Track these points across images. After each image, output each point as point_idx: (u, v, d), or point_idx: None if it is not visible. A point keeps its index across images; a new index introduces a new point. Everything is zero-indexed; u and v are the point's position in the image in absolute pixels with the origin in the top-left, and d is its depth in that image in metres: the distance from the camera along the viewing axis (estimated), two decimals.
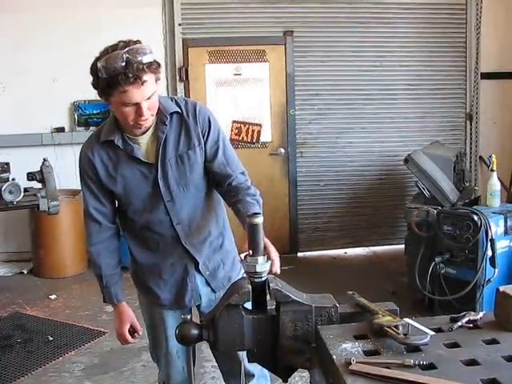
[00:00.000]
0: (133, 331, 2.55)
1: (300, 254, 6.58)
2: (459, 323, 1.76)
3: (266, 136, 6.40)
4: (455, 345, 1.64)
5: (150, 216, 2.37)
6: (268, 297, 1.96)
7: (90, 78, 2.19)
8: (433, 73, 6.52)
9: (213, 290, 2.51)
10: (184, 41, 6.16)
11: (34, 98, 6.04)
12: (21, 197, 4.27)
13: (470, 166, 6.63)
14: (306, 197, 6.55)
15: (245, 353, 2.10)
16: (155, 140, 2.33)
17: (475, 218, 4.10)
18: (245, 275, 2.00)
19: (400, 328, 1.66)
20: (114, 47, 2.11)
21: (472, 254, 4.15)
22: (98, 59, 2.12)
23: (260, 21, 6.22)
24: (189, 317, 1.98)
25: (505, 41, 6.52)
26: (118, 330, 2.54)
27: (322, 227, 6.63)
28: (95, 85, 2.17)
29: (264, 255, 1.94)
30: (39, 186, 4.50)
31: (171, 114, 2.32)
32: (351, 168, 6.55)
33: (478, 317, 1.79)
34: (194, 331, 1.95)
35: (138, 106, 2.13)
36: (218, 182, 2.45)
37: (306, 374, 3.38)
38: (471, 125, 6.66)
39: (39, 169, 4.43)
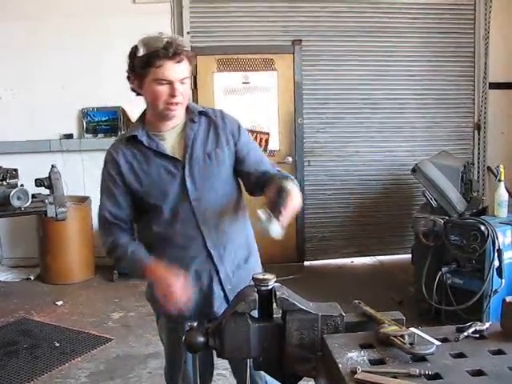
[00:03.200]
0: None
1: (306, 263, 6.57)
2: (465, 333, 1.76)
3: (274, 144, 6.40)
4: (461, 355, 1.64)
5: (175, 216, 2.31)
6: (274, 305, 1.97)
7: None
8: (441, 82, 6.52)
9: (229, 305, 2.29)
10: (193, 49, 6.16)
11: (42, 104, 6.08)
12: (29, 203, 4.27)
13: (478, 176, 6.61)
14: (312, 205, 6.54)
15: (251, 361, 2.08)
16: (182, 138, 2.33)
17: (482, 228, 4.09)
18: (252, 283, 2.00)
19: (406, 338, 1.66)
20: (153, 34, 2.23)
21: (479, 264, 4.14)
22: (136, 44, 2.22)
23: (268, 29, 6.23)
24: (195, 324, 1.99)
25: None
26: (169, 286, 2.20)
27: (328, 236, 6.62)
28: (131, 68, 2.24)
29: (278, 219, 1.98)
30: (47, 192, 4.51)
31: (200, 114, 2.36)
32: (358, 177, 6.55)
33: (485, 327, 1.79)
34: (201, 339, 1.96)
35: (171, 85, 2.18)
36: (255, 184, 2.36)
37: (311, 382, 3.39)
38: (479, 135, 6.65)
39: (47, 175, 4.45)
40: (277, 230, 1.99)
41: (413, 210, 6.20)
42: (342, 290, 4.91)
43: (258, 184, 2.34)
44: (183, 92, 2.22)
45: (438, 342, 1.69)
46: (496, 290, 4.08)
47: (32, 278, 6.04)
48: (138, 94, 2.30)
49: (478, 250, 4.10)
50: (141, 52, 2.16)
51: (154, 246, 2.37)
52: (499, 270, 4.09)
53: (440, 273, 4.26)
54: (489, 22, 6.42)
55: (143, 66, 2.17)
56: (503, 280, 4.08)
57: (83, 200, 6.02)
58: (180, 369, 2.46)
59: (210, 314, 2.35)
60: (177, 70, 2.18)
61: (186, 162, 2.29)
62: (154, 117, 2.30)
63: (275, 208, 2.04)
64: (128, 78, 2.28)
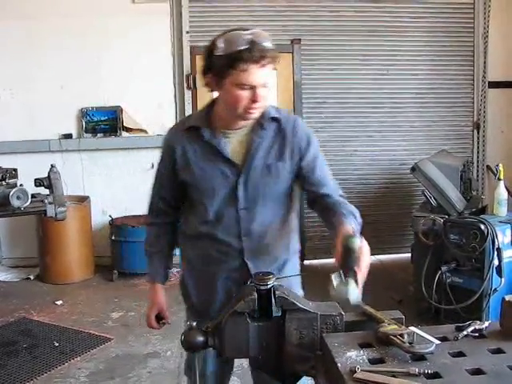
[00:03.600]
0: (160, 317, 2.44)
1: (306, 262, 6.55)
2: (465, 332, 1.75)
3: None
4: (460, 354, 1.64)
5: (218, 220, 2.23)
6: (274, 304, 1.97)
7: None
8: (440, 81, 6.53)
9: None
10: (192, 48, 6.18)
11: (41, 104, 6.08)
12: (28, 203, 4.27)
13: (477, 175, 6.62)
14: None
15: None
16: (246, 141, 2.20)
17: (482, 226, 4.09)
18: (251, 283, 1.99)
19: (405, 337, 1.66)
20: (235, 29, 2.04)
21: (478, 263, 4.14)
22: (215, 38, 2.04)
23: (268, 29, 6.07)
24: (194, 324, 1.98)
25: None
26: (146, 312, 2.46)
27: (328, 235, 6.54)
28: (208, 66, 2.08)
29: (355, 280, 1.82)
30: (47, 192, 4.51)
31: (271, 119, 2.20)
32: (357, 176, 6.55)
33: (484, 326, 1.78)
34: (200, 338, 1.95)
35: (253, 90, 2.02)
36: (312, 201, 2.30)
37: (310, 381, 3.39)
38: (478, 133, 6.66)
39: (47, 175, 4.45)
40: (355, 293, 1.83)
41: (412, 209, 6.19)
42: None
43: (315, 204, 2.29)
44: (265, 96, 2.06)
45: (437, 341, 1.68)
46: (495, 289, 4.08)
47: (31, 277, 6.04)
48: (212, 90, 2.15)
49: (477, 248, 4.10)
50: (221, 51, 2.00)
51: (193, 241, 2.34)
52: (499, 269, 4.08)
53: (439, 272, 4.26)
54: (488, 21, 6.43)
55: (224, 66, 2.00)
56: (503, 279, 4.08)
57: (83, 200, 6.02)
58: (197, 367, 2.43)
59: None
60: (261, 75, 2.01)
61: (244, 169, 2.18)
62: (227, 115, 2.16)
63: (348, 270, 1.87)
64: (203, 73, 2.12)
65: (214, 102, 2.23)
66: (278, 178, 2.21)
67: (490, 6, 6.38)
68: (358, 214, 2.23)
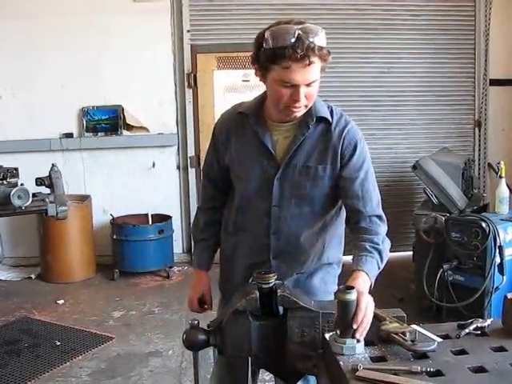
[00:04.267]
0: (203, 302, 2.43)
1: None
2: (467, 330, 1.76)
3: None
4: (463, 352, 1.65)
5: (247, 207, 2.24)
6: (275, 303, 1.96)
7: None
8: (441, 79, 6.50)
9: None
10: (192, 47, 6.17)
11: (42, 103, 6.06)
12: (29, 202, 4.27)
13: (479, 173, 6.60)
14: None
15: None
16: (290, 137, 2.15)
17: (483, 224, 4.08)
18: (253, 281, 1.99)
19: (407, 335, 1.66)
20: (287, 21, 1.97)
21: (480, 261, 4.13)
22: (265, 30, 1.98)
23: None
24: (196, 322, 1.98)
25: None
26: (189, 295, 2.44)
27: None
28: (256, 57, 2.02)
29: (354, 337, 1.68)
30: (48, 191, 4.51)
31: (319, 119, 2.15)
32: None
33: (486, 324, 1.79)
34: (202, 336, 1.96)
35: (295, 88, 1.97)
36: (348, 216, 2.23)
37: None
38: (480, 131, 6.64)
39: (48, 174, 4.45)
40: (351, 349, 1.67)
41: (413, 207, 6.18)
42: None
43: (349, 223, 2.24)
44: (308, 94, 2.02)
45: (439, 339, 1.69)
46: (497, 287, 4.08)
47: (33, 276, 6.03)
48: (260, 80, 2.09)
49: (479, 246, 4.09)
50: (266, 44, 1.93)
51: (226, 228, 2.38)
52: (500, 267, 4.08)
53: (441, 270, 4.25)
54: (489, 19, 6.40)
55: (268, 60, 1.96)
56: (504, 277, 4.07)
57: (84, 199, 6.01)
58: None
59: None
60: (304, 74, 1.96)
61: (282, 165, 2.14)
62: (273, 108, 2.12)
63: (344, 325, 1.73)
64: (252, 62, 2.07)
65: (265, 92, 2.18)
66: (316, 181, 2.14)
67: (491, 4, 6.35)
68: (386, 248, 2.12)
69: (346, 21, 6.28)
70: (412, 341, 1.64)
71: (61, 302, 5.35)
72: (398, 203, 6.56)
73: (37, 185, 4.42)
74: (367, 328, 1.73)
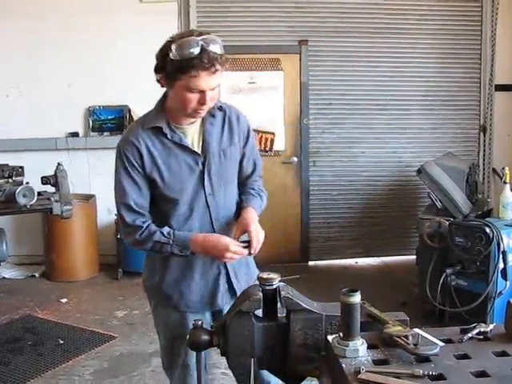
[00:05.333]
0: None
1: (311, 263, 6.57)
2: (469, 335, 1.76)
3: (279, 145, 6.41)
4: (465, 356, 1.65)
5: (191, 210, 2.35)
6: (279, 305, 1.97)
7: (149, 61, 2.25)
8: (447, 84, 6.51)
9: (235, 296, 2.40)
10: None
11: (49, 102, 6.09)
12: (34, 200, 4.30)
13: (483, 178, 6.60)
14: (317, 206, 6.55)
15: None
16: (201, 132, 2.35)
17: (487, 230, 4.08)
18: (257, 282, 2.00)
19: (410, 338, 1.66)
20: (189, 33, 2.14)
21: (483, 266, 4.13)
22: (170, 42, 2.12)
23: (275, 29, 6.24)
24: (200, 322, 1.99)
25: None
26: (222, 244, 2.26)
27: (333, 236, 6.62)
28: (161, 66, 2.15)
29: (359, 338, 1.69)
30: (53, 190, 4.53)
31: (218, 109, 2.37)
32: (364, 178, 6.55)
33: (489, 329, 1.79)
34: (205, 337, 1.97)
35: (202, 94, 2.15)
36: (240, 179, 2.53)
37: (314, 382, 3.39)
38: (485, 137, 6.64)
39: (53, 173, 4.47)
40: (354, 351, 1.67)
41: (418, 211, 6.19)
42: None
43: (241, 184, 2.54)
44: (213, 97, 2.20)
45: (441, 343, 1.69)
46: (500, 292, 4.08)
47: (37, 275, 6.06)
48: (163, 86, 2.26)
49: (482, 251, 4.09)
50: (173, 55, 2.08)
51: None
52: (504, 272, 4.08)
53: (444, 274, 4.25)
54: (495, 25, 6.41)
55: (176, 70, 2.10)
56: (508, 282, 4.07)
57: (88, 198, 6.03)
58: (179, 357, 2.46)
59: (214, 305, 2.45)
60: (210, 81, 2.13)
61: (205, 156, 2.33)
62: (178, 112, 2.28)
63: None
64: (155, 71, 2.20)
65: (165, 98, 2.32)
66: (232, 162, 2.43)
67: (497, 9, 6.36)
68: (264, 193, 2.56)
69: (352, 24, 6.29)
70: (415, 344, 1.64)
71: (64, 300, 5.37)
72: (402, 207, 6.58)
73: (42, 183, 4.45)
74: (258, 247, 2.26)
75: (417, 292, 5.00)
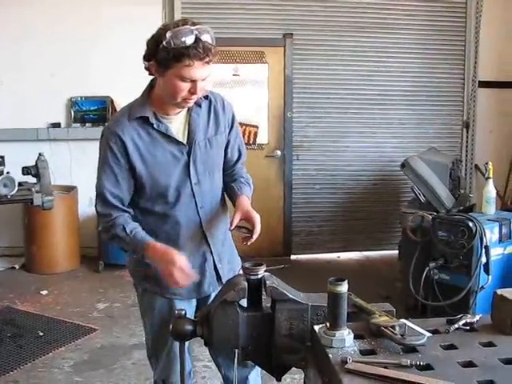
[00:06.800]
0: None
1: (293, 257, 6.56)
2: (456, 325, 1.76)
3: (263, 138, 6.39)
4: (452, 346, 1.64)
5: (177, 199, 2.35)
6: (264, 294, 1.96)
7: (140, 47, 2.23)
8: (431, 80, 6.53)
9: (221, 282, 2.46)
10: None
11: (31, 92, 6.02)
12: (15, 191, 4.24)
13: (466, 174, 6.63)
14: (300, 200, 6.54)
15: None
16: (187, 121, 2.36)
17: (470, 224, 4.09)
18: (241, 272, 1.99)
19: (397, 328, 1.65)
20: (184, 22, 2.13)
21: (466, 260, 4.13)
22: (164, 30, 2.10)
23: (260, 22, 6.21)
24: (183, 312, 1.97)
25: (502, 50, 6.53)
26: (171, 266, 2.18)
27: (315, 231, 6.62)
28: (152, 53, 2.14)
29: (346, 328, 1.68)
30: (34, 180, 4.48)
31: (203, 98, 2.36)
32: (347, 172, 6.55)
33: (475, 319, 1.79)
34: (189, 327, 1.94)
35: (193, 83, 2.15)
36: (225, 167, 2.55)
37: (297, 375, 3.37)
38: (467, 133, 6.67)
39: (34, 163, 4.41)
40: (340, 341, 1.65)
41: (400, 205, 6.19)
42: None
43: (225, 172, 2.55)
44: (203, 87, 2.22)
45: (428, 334, 1.68)
46: (482, 287, 4.08)
47: (17, 267, 6.00)
48: (151, 74, 2.24)
49: (465, 246, 4.09)
50: (168, 43, 2.07)
51: (153, 227, 2.38)
52: (486, 267, 4.08)
53: (427, 268, 4.25)
54: (479, 22, 6.44)
55: (169, 59, 2.09)
56: (490, 276, 4.07)
57: (70, 189, 5.98)
58: (166, 343, 2.45)
59: (201, 292, 2.47)
60: (202, 71, 2.15)
61: (190, 146, 2.34)
62: (165, 101, 2.27)
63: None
64: (145, 58, 2.19)
65: (151, 86, 2.32)
66: (218, 150, 2.45)
67: (482, 6, 6.39)
68: (251, 180, 2.61)
69: (338, 18, 6.30)
70: (401, 335, 1.63)
71: (44, 292, 5.31)
72: (384, 202, 6.60)
73: (23, 174, 4.39)
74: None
75: (400, 286, 5.01)
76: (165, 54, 2.09)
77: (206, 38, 2.11)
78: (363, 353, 1.61)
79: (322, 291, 2.03)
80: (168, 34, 2.07)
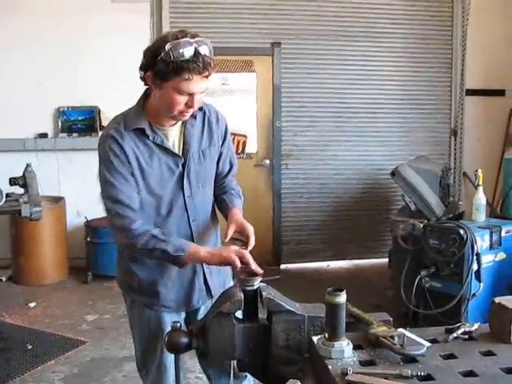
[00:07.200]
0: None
1: (283, 266, 6.54)
2: (454, 334, 1.74)
3: (252, 147, 6.38)
4: (451, 356, 1.63)
5: (170, 211, 2.32)
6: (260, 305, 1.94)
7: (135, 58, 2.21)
8: (418, 88, 6.56)
9: (210, 295, 2.44)
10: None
11: (18, 102, 5.96)
12: (2, 202, 4.19)
13: (454, 181, 6.65)
14: (289, 209, 6.53)
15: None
16: (182, 134, 2.33)
17: (461, 232, 4.09)
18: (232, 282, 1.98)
19: (396, 338, 1.64)
20: (183, 34, 2.08)
21: (457, 268, 4.13)
22: (163, 41, 2.07)
23: (248, 31, 6.21)
24: (178, 324, 1.94)
25: (489, 58, 6.56)
26: (225, 255, 2.18)
27: (305, 239, 6.61)
28: (150, 65, 2.10)
29: (345, 339, 1.66)
30: (21, 191, 4.43)
31: (198, 110, 2.32)
32: (335, 181, 6.55)
33: (473, 328, 1.78)
34: (184, 339, 1.92)
35: (191, 96, 2.13)
36: (216, 179, 2.53)
37: None
38: (455, 140, 6.70)
39: (22, 174, 4.37)
40: (340, 352, 1.64)
41: (389, 214, 6.22)
42: (318, 294, 4.84)
43: (216, 183, 2.53)
44: (200, 100, 2.20)
45: (427, 343, 1.67)
46: (474, 294, 4.08)
47: (4, 279, 5.92)
48: (147, 84, 2.21)
49: (456, 253, 4.10)
50: (167, 55, 2.03)
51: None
52: (478, 274, 4.08)
53: (419, 276, 4.25)
54: (466, 30, 6.48)
55: (168, 72, 2.06)
56: (481, 284, 4.07)
57: (57, 200, 5.93)
58: (155, 355, 2.42)
59: (190, 305, 2.44)
60: (201, 85, 2.12)
61: (185, 158, 2.31)
62: (161, 113, 2.23)
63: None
64: (141, 68, 2.15)
65: (146, 96, 2.28)
66: (211, 162, 2.43)
67: (468, 15, 6.43)
68: (241, 192, 2.60)
69: (325, 27, 6.31)
70: (401, 345, 1.62)
71: (32, 304, 5.25)
72: (373, 210, 6.60)
73: (10, 185, 4.34)
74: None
75: (390, 294, 5.00)
76: (163, 67, 2.05)
77: (205, 50, 2.07)
78: (363, 363, 1.59)
79: (311, 300, 2.03)
80: (167, 47, 2.03)
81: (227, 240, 2.27)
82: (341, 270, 6.52)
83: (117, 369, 4.08)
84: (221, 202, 2.50)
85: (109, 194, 2.23)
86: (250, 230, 2.30)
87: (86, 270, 5.89)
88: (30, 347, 4.39)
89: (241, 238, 2.31)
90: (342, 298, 1.65)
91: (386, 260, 5.17)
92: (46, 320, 4.93)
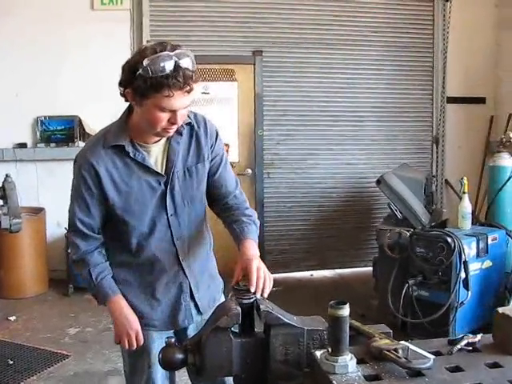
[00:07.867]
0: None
1: None
2: (458, 346, 1.71)
3: (233, 156, 6.32)
4: (458, 369, 1.60)
5: (151, 229, 2.24)
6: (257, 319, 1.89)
7: (114, 75, 2.10)
8: (400, 95, 6.57)
9: (199, 312, 2.38)
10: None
11: None
12: None
13: (436, 189, 6.66)
14: (272, 218, 6.48)
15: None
16: (166, 151, 2.22)
17: (449, 240, 4.09)
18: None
19: (400, 351, 1.60)
20: (162, 47, 1.97)
21: (445, 276, 4.13)
22: (141, 55, 1.96)
23: (229, 40, 6.17)
24: (173, 340, 1.89)
25: (470, 66, 6.60)
26: (129, 327, 2.26)
27: (288, 249, 6.56)
28: (128, 81, 2.00)
29: (348, 353, 1.60)
30: (0, 202, 4.34)
31: (185, 125, 2.22)
32: (318, 189, 6.52)
33: (476, 339, 1.74)
34: (179, 355, 1.86)
35: (173, 113, 2.02)
36: (214, 200, 2.40)
37: None
38: (437, 148, 6.72)
39: (1, 185, 4.28)
40: (344, 367, 1.58)
41: (372, 222, 6.20)
42: (302, 304, 4.81)
43: (217, 205, 2.41)
44: (183, 115, 2.09)
45: (432, 356, 1.63)
46: (462, 302, 4.08)
47: None
48: (127, 101, 2.10)
49: (444, 261, 4.09)
50: (145, 71, 1.93)
51: (126, 259, 2.31)
52: (465, 282, 4.08)
53: (406, 285, 4.23)
54: (447, 37, 6.51)
55: (147, 88, 1.95)
56: (469, 292, 4.08)
57: (37, 211, 5.83)
58: (143, 371, 2.36)
59: (176, 325, 2.37)
60: (183, 100, 2.01)
61: (168, 176, 2.22)
62: (144, 130, 2.15)
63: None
64: (120, 84, 2.05)
65: (129, 112, 2.19)
66: (199, 181, 2.30)
67: (449, 23, 6.46)
68: (255, 216, 2.38)
69: (307, 35, 6.30)
70: (405, 358, 1.57)
71: (13, 318, 5.15)
72: (356, 219, 6.59)
73: None
74: (266, 288, 1.98)
75: (375, 304, 4.98)
76: (142, 83, 1.95)
77: (187, 63, 1.96)
78: (368, 378, 1.54)
79: (295, 310, 1.99)
80: (145, 62, 1.93)
81: (232, 284, 2.03)
82: (324, 279, 6.49)
83: (101, 383, 3.99)
84: (232, 232, 2.32)
85: (69, 214, 2.27)
86: (253, 271, 2.01)
87: (66, 282, 5.78)
88: (11, 362, 4.29)
89: (246, 284, 2.00)
90: (346, 310, 1.60)
91: (370, 269, 5.15)
92: (27, 334, 4.83)
